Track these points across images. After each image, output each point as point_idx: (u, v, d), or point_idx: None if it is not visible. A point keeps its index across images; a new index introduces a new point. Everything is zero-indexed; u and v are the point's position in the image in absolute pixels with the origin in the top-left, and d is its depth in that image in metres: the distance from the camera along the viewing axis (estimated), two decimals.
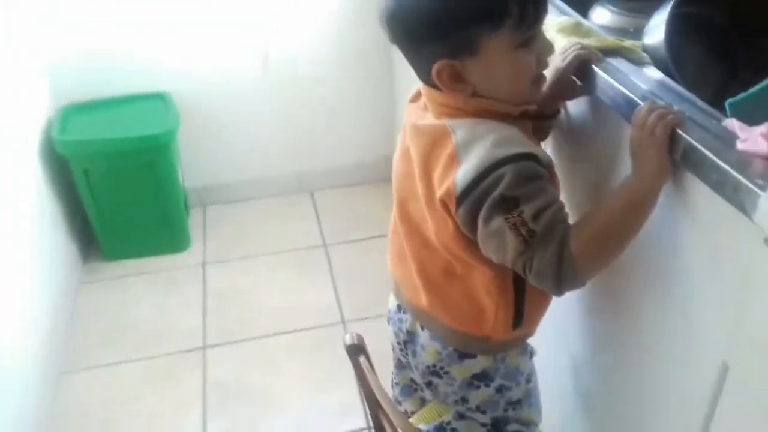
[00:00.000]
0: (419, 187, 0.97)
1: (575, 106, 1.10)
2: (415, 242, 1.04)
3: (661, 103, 0.86)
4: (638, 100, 0.90)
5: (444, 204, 0.91)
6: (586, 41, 1.03)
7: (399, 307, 1.14)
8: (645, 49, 1.02)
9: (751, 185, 0.69)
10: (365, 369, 1.18)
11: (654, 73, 0.98)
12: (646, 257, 0.97)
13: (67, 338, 2.00)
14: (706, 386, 0.84)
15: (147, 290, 2.18)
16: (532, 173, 0.87)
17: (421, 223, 1.01)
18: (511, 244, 0.87)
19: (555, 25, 1.09)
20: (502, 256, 0.90)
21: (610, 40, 1.04)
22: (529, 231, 0.85)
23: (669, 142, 0.82)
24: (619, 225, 0.86)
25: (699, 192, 0.81)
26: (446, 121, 0.93)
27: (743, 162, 0.73)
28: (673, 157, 0.82)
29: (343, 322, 2.03)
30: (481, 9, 0.87)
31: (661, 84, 0.95)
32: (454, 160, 0.89)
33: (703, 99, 0.92)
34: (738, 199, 0.71)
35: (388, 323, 1.19)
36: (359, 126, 2.53)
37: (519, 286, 1.00)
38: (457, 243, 0.95)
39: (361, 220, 2.42)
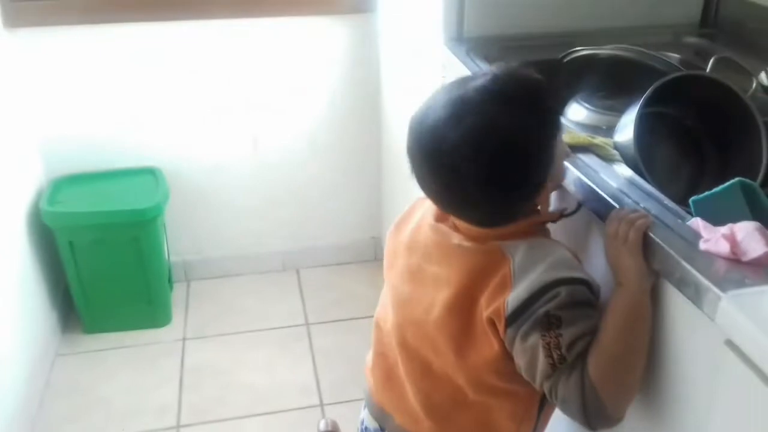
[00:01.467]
0: (448, 310, 0.93)
1: None
2: (414, 369, 1.00)
3: (629, 207, 0.87)
4: (607, 197, 0.93)
5: (491, 323, 0.89)
6: None
7: (382, 430, 1.09)
8: (615, 147, 1.06)
9: (712, 286, 0.70)
10: None
11: (623, 170, 1.01)
12: None
13: (38, 411, 1.95)
14: None
15: (124, 365, 2.14)
16: (583, 299, 0.87)
17: (424, 350, 0.98)
18: (541, 365, 0.86)
19: None
20: (530, 376, 0.89)
21: (582, 136, 1.07)
22: (561, 356, 0.85)
23: (643, 247, 0.82)
24: (623, 340, 0.84)
25: (664, 291, 0.82)
26: (500, 244, 0.91)
27: (706, 262, 0.75)
28: (649, 261, 0.82)
29: (321, 404, 2.00)
30: (554, 121, 0.91)
31: (629, 181, 0.97)
32: (508, 282, 0.88)
33: (672, 197, 0.95)
34: (700, 300, 0.72)
35: None
36: (346, 207, 2.56)
37: (541, 405, 0.99)
38: (498, 366, 0.92)
39: (345, 300, 2.41)
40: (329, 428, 1.12)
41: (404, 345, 1.01)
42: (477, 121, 0.85)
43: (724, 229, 0.78)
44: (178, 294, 2.44)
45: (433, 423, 1.00)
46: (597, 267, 0.96)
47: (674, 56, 1.44)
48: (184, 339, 2.26)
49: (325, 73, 2.35)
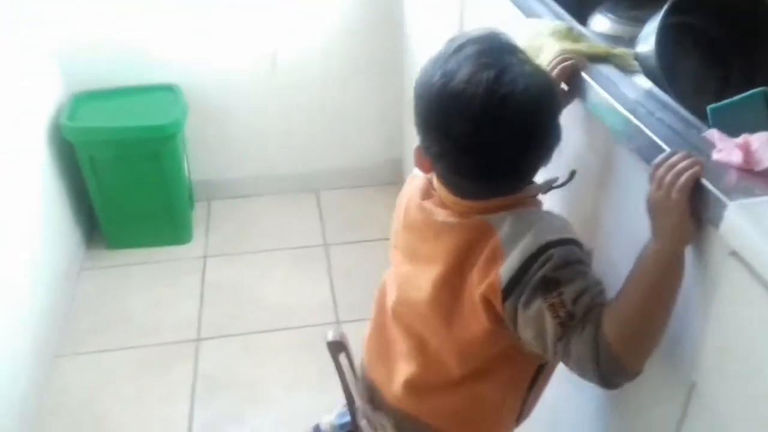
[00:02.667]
0: (437, 288, 0.93)
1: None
2: (412, 347, 1.00)
3: (679, 153, 0.75)
4: (623, 109, 0.89)
5: (485, 301, 0.87)
6: (576, 47, 1.02)
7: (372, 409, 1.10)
8: (636, 58, 1.01)
9: (718, 194, 0.67)
10: (345, 367, 1.17)
11: (642, 82, 0.96)
12: (615, 272, 0.95)
13: (64, 322, 2.02)
14: (675, 405, 0.82)
15: (146, 280, 2.19)
16: (576, 257, 0.84)
17: (421, 329, 0.98)
18: (550, 328, 0.82)
19: (548, 28, 1.08)
20: (541, 344, 0.85)
21: (601, 47, 1.03)
22: (568, 313, 0.81)
23: (690, 202, 0.72)
24: (644, 302, 0.78)
25: None
26: (484, 218, 0.89)
27: (716, 173, 0.72)
28: (697, 215, 0.73)
29: (337, 321, 2.03)
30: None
31: (648, 93, 0.93)
32: (499, 255, 0.86)
33: (695, 110, 0.90)
34: (707, 210, 0.70)
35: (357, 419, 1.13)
36: (367, 128, 2.53)
37: (533, 383, 0.99)
38: (487, 342, 0.91)
39: (363, 222, 2.41)
40: (337, 338, 1.12)
41: (403, 324, 1.02)
42: (527, 74, 0.83)
43: (738, 139, 0.74)
44: (199, 213, 2.47)
45: (420, 401, 1.01)
46: (615, 201, 0.93)
47: None
48: (204, 257, 2.29)
49: None
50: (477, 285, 0.88)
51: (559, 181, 0.95)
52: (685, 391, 0.79)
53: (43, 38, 2.13)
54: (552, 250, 0.82)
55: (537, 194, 0.94)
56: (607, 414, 1.04)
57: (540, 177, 0.94)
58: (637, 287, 0.78)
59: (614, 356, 0.78)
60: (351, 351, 1.16)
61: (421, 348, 0.99)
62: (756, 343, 0.65)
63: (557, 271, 0.82)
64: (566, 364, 0.85)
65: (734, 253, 0.66)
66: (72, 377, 1.86)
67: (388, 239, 1.09)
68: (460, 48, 0.85)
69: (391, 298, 1.05)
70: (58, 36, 2.18)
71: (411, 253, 1.00)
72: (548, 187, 0.94)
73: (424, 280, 0.95)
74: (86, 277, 2.20)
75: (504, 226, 0.87)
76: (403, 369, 1.01)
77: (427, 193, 0.98)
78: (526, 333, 0.85)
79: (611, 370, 0.79)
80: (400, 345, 1.03)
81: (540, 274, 0.82)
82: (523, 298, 0.83)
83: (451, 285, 0.91)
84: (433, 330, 0.96)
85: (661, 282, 0.77)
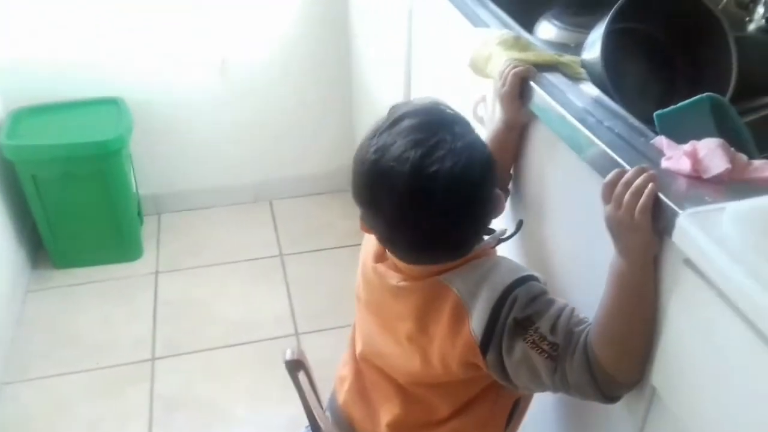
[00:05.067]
0: (404, 346, 0.95)
1: None
2: (387, 391, 1.02)
3: (633, 170, 0.74)
4: (571, 117, 0.90)
5: (466, 363, 0.88)
6: (524, 55, 1.03)
7: None
8: (583, 65, 1.02)
9: (669, 203, 0.68)
10: (304, 386, 1.15)
11: (590, 89, 0.98)
12: (568, 277, 0.96)
13: (11, 348, 1.94)
14: (636, 411, 0.83)
15: (96, 300, 2.12)
16: (538, 290, 0.86)
17: (399, 376, 0.99)
18: (540, 365, 0.83)
19: (496, 38, 1.09)
20: (539, 384, 0.86)
21: (548, 54, 1.04)
22: (551, 345, 0.82)
23: (652, 219, 0.71)
24: (623, 317, 0.78)
25: None
26: (437, 278, 0.90)
27: (666, 181, 0.73)
28: (657, 226, 0.71)
29: (296, 333, 2.00)
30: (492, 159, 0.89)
31: (595, 101, 0.94)
32: (463, 311, 0.87)
33: (641, 115, 0.92)
34: (659, 219, 0.70)
35: None
36: (318, 135, 2.51)
37: (510, 418, 1.00)
38: (465, 385, 0.94)
39: (318, 230, 2.39)
40: (295, 356, 1.11)
41: (379, 371, 1.03)
42: (457, 151, 0.83)
43: (686, 147, 0.76)
44: (148, 227, 2.41)
45: None
46: (555, 193, 0.94)
47: None
48: (156, 272, 2.24)
49: None
50: (451, 348, 0.89)
51: (508, 233, 0.97)
52: (646, 396, 0.80)
53: None
54: (515, 292, 0.85)
55: (486, 250, 0.94)
56: (569, 420, 1.05)
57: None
58: (614, 305, 0.78)
59: (608, 374, 0.80)
60: (310, 368, 1.15)
61: (401, 391, 1.00)
62: (711, 347, 0.66)
63: (526, 309, 0.84)
64: (568, 393, 0.85)
65: (687, 261, 0.67)
66: (22, 405, 1.79)
67: (344, 246, 1.09)
68: (396, 121, 0.86)
69: (360, 348, 1.06)
70: None
71: (374, 309, 1.01)
72: (497, 241, 0.96)
73: (391, 337, 0.97)
74: (32, 299, 2.12)
75: (457, 281, 0.88)
76: (386, 411, 1.01)
77: (380, 256, 0.99)
78: (521, 379, 0.87)
79: (609, 386, 0.81)
80: (381, 389, 1.03)
81: (511, 317, 0.84)
82: (504, 346, 0.85)
83: (417, 342, 0.93)
84: (410, 381, 0.98)
85: (636, 296, 0.76)
